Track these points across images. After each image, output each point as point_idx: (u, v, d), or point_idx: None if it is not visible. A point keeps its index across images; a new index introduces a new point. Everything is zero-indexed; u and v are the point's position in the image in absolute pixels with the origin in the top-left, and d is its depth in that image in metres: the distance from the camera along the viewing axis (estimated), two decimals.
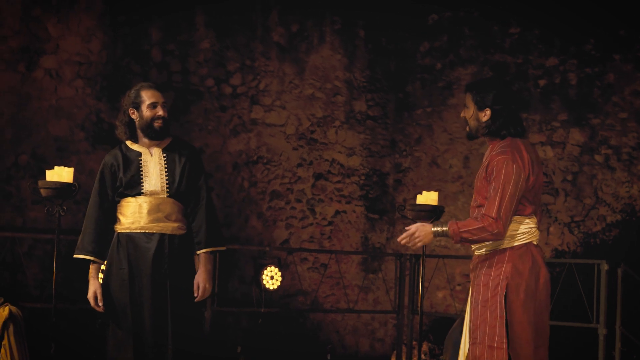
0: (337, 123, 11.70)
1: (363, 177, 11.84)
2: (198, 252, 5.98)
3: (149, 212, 5.90)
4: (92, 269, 5.98)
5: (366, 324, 11.80)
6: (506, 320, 5.07)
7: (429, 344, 10.76)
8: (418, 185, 11.57)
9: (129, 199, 5.94)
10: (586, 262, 9.36)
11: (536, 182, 5.15)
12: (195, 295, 5.92)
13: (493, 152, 5.16)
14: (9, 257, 9.49)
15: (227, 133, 11.04)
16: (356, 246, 11.77)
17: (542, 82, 10.94)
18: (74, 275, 9.50)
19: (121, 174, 5.95)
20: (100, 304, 5.93)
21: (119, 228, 5.95)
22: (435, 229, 5.14)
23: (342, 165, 11.72)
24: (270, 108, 11.30)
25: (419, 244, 5.18)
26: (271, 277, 9.40)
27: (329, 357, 10.68)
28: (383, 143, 11.95)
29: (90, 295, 5.95)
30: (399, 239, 5.23)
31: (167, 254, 5.89)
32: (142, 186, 5.92)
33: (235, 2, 11.10)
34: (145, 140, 5.99)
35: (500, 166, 5.06)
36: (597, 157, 10.59)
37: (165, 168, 5.95)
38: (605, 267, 8.90)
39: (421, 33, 11.85)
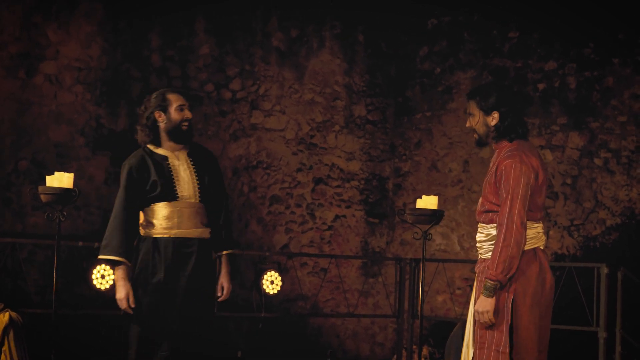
0: (336, 128, 11.71)
1: (363, 182, 11.85)
2: (221, 253, 6.09)
3: (188, 217, 5.93)
4: (121, 270, 5.90)
5: (366, 328, 11.80)
6: (511, 324, 5.07)
7: (429, 348, 10.76)
8: (418, 190, 11.58)
9: (163, 203, 5.93)
10: (586, 265, 9.37)
11: (542, 186, 5.16)
12: (219, 295, 6.02)
13: (500, 157, 5.16)
14: (10, 263, 9.49)
15: (227, 138, 11.05)
16: (356, 250, 11.78)
17: (541, 86, 10.95)
18: (75, 280, 9.52)
19: (152, 178, 5.94)
20: (132, 305, 5.90)
21: (154, 233, 5.93)
22: (484, 291, 5.05)
23: (341, 170, 11.73)
24: (270, 113, 11.32)
25: (488, 315, 5.06)
26: (271, 282, 9.40)
27: None
28: (383, 147, 11.97)
29: (122, 297, 5.88)
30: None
31: (203, 260, 5.96)
32: (176, 191, 5.94)
33: (235, 7, 11.11)
34: (170, 143, 6.00)
35: (509, 170, 5.05)
36: (597, 161, 10.59)
37: (195, 173, 5.99)
38: (605, 270, 8.90)
39: (421, 37, 11.86)
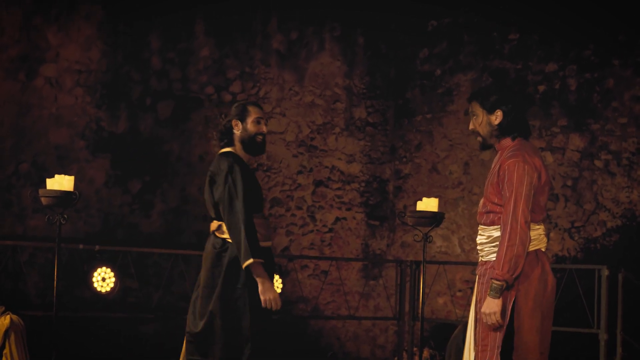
0: (337, 130, 11.71)
1: (363, 184, 11.85)
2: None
3: (268, 227, 6.11)
4: (263, 269, 5.90)
5: (367, 330, 11.80)
6: (512, 326, 5.07)
7: (430, 350, 10.76)
8: (418, 192, 11.57)
9: (259, 214, 6.02)
10: (587, 267, 9.37)
11: (545, 186, 5.15)
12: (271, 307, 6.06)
13: (503, 157, 5.15)
14: (10, 266, 9.49)
15: None
16: (357, 253, 11.78)
17: (541, 88, 10.95)
18: (75, 283, 9.52)
19: (255, 181, 6.07)
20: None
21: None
22: (491, 292, 5.05)
23: (342, 172, 11.73)
24: (270, 115, 11.31)
25: (496, 317, 5.07)
26: None
27: None
28: (383, 150, 11.96)
29: (278, 297, 5.92)
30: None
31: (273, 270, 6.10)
32: (261, 201, 6.10)
33: (235, 10, 11.11)
34: (242, 153, 6.08)
35: (513, 169, 5.04)
36: (597, 163, 10.59)
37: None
38: (605, 272, 8.90)
39: (420, 39, 11.86)
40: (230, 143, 6.09)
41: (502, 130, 5.23)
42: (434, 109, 11.73)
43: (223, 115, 6.18)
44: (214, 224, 6.00)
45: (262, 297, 5.83)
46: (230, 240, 5.89)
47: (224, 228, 5.90)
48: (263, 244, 5.96)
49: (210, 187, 5.98)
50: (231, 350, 5.86)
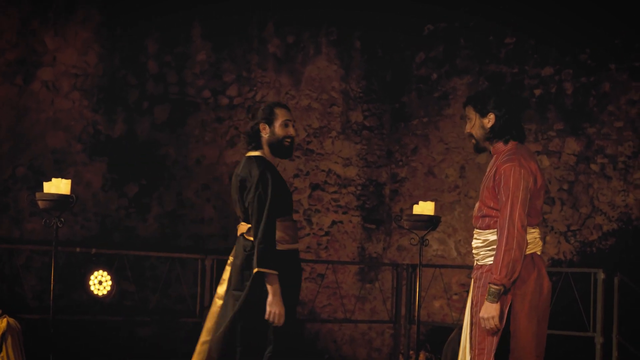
0: (333, 133, 11.72)
1: (359, 188, 11.86)
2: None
3: (296, 230, 6.07)
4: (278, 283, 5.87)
5: (363, 333, 11.81)
6: (508, 330, 5.08)
7: (426, 354, 10.77)
8: (414, 195, 11.58)
9: (288, 217, 5.99)
10: (583, 271, 9.38)
11: (541, 190, 5.17)
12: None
13: (499, 161, 5.17)
14: (7, 269, 9.50)
15: (224, 144, 11.06)
16: (353, 256, 11.78)
17: (537, 92, 10.97)
18: (72, 286, 9.53)
19: (286, 186, 6.02)
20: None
21: (287, 246, 5.96)
22: (489, 296, 5.06)
23: (338, 176, 11.74)
24: None
25: (494, 321, 5.08)
26: None
27: None
28: (379, 153, 11.98)
29: (283, 313, 5.88)
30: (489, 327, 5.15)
31: None
32: (291, 205, 6.07)
33: (232, 13, 11.13)
34: (270, 157, 6.01)
35: (509, 173, 5.06)
36: (593, 166, 10.61)
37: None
38: (602, 275, 8.92)
39: (417, 43, 11.87)
40: (258, 146, 5.99)
41: (494, 134, 5.25)
42: (430, 112, 11.74)
43: (250, 117, 6.07)
44: (244, 226, 5.97)
45: (267, 308, 5.78)
46: None
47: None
48: (291, 246, 5.96)
49: (241, 192, 5.92)
50: (252, 351, 5.85)
